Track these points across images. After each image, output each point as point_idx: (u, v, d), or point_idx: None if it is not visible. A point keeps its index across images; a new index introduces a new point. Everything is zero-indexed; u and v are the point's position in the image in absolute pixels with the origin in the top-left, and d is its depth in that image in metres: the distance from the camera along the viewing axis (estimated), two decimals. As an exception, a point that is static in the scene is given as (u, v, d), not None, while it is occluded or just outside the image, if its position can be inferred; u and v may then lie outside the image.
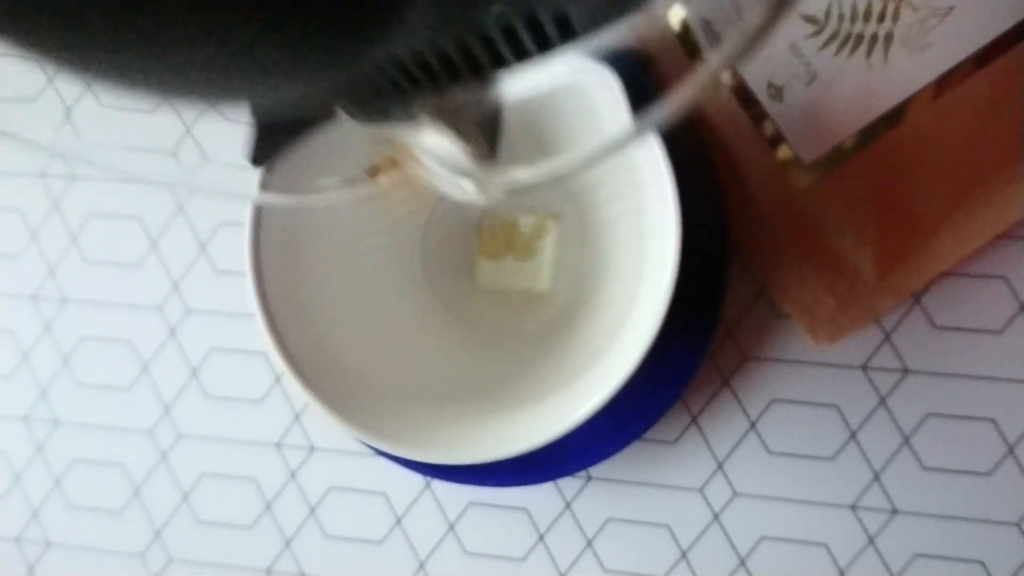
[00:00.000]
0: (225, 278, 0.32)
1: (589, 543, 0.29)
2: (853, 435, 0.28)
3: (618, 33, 0.13)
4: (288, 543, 0.31)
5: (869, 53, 0.25)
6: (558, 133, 0.26)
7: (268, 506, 0.32)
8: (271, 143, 0.17)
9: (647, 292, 0.23)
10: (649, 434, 0.29)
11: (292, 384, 0.22)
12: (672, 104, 0.13)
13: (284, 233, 0.23)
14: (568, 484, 0.30)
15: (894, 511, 0.28)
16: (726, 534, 0.29)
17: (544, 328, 0.28)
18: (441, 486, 0.30)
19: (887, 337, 0.28)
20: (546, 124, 0.26)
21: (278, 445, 0.32)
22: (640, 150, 0.21)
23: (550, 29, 0.13)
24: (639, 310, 0.23)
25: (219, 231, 0.32)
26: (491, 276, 0.28)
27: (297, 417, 0.31)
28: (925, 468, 0.27)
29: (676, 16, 0.26)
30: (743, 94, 0.27)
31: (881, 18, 0.25)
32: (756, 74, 0.26)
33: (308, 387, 0.22)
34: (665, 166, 0.21)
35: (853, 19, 0.25)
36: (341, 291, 0.25)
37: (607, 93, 0.21)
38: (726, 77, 0.27)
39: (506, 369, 0.27)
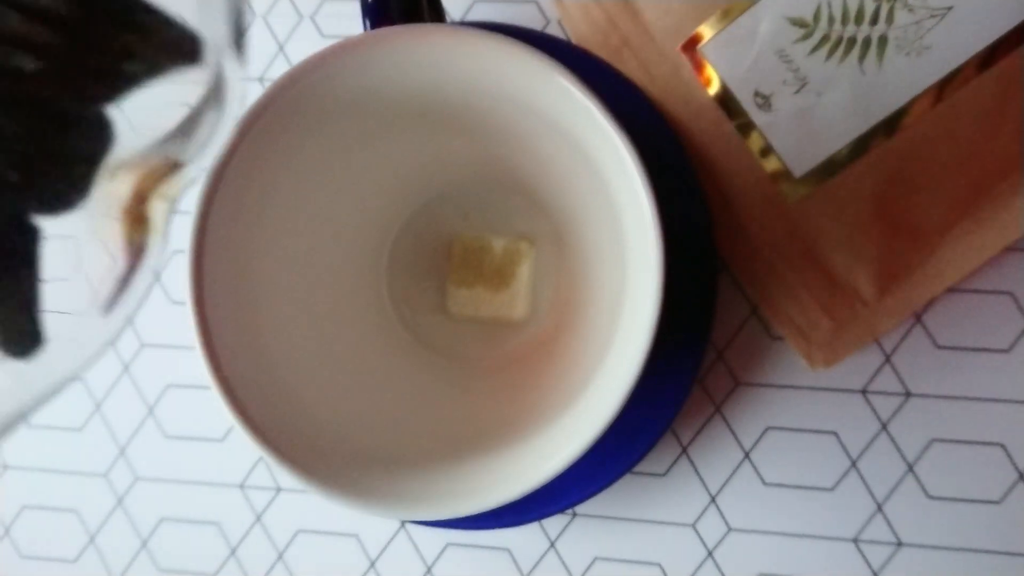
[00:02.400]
0: (180, 309, 0.30)
1: (576, 585, 0.28)
2: (853, 464, 0.26)
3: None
4: (255, 591, 0.29)
5: (862, 57, 0.24)
6: (560, 193, 0.24)
7: (233, 551, 0.30)
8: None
9: (630, 318, 0.21)
10: (637, 467, 0.27)
11: (241, 434, 0.20)
12: None
13: (232, 263, 0.21)
14: (552, 522, 0.28)
15: (899, 544, 0.26)
16: (721, 572, 0.27)
17: (523, 358, 0.26)
18: (417, 527, 0.28)
19: (887, 359, 0.26)
20: (548, 185, 0.24)
21: (242, 486, 0.30)
22: (614, 166, 0.19)
23: None
24: (622, 339, 0.21)
25: (174, 259, 0.30)
26: (463, 304, 0.26)
27: (262, 456, 0.29)
28: (931, 497, 0.26)
29: (714, 87, 0.24)
30: (728, 103, 0.25)
31: (874, 20, 0.23)
32: (742, 82, 0.25)
33: (259, 437, 0.20)
34: (644, 188, 0.19)
35: (844, 21, 0.23)
36: (297, 323, 0.23)
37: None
38: (714, 85, 0.25)
39: (483, 404, 0.25)
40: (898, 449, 0.26)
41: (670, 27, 0.25)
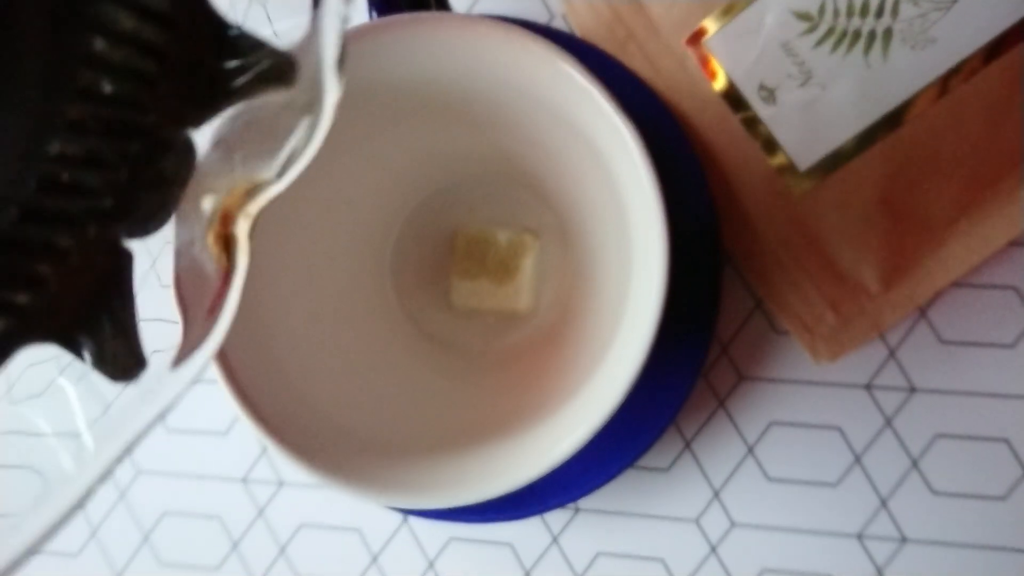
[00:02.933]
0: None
1: (578, 580, 0.28)
2: (858, 459, 0.26)
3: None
4: (257, 585, 0.29)
5: (867, 50, 0.23)
6: (566, 185, 0.24)
7: (235, 545, 0.29)
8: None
9: (634, 311, 0.21)
10: (640, 461, 0.27)
11: (247, 424, 0.20)
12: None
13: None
14: (555, 516, 0.28)
15: (903, 539, 0.26)
16: (724, 567, 0.27)
17: (527, 350, 0.26)
18: (420, 521, 0.28)
19: (892, 353, 0.26)
20: (553, 178, 0.24)
21: (244, 480, 0.29)
22: (618, 153, 0.19)
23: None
24: (626, 331, 0.21)
25: (168, 249, 0.30)
26: (467, 296, 0.26)
27: (264, 450, 0.29)
28: (935, 493, 0.26)
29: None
30: (733, 97, 0.25)
31: (879, 13, 0.23)
32: (747, 75, 0.25)
33: (264, 427, 0.20)
34: (648, 175, 0.19)
35: (849, 14, 0.23)
36: (302, 314, 0.23)
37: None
38: (719, 78, 0.25)
39: (486, 396, 0.25)
40: (902, 444, 0.26)
41: (675, 21, 0.25)
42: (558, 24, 0.28)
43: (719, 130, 0.25)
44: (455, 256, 0.26)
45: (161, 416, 0.15)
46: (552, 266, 0.26)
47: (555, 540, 0.28)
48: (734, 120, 0.25)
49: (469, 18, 0.19)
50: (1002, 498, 0.25)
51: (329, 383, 0.23)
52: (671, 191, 0.20)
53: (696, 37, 0.25)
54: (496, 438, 0.21)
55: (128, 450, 0.15)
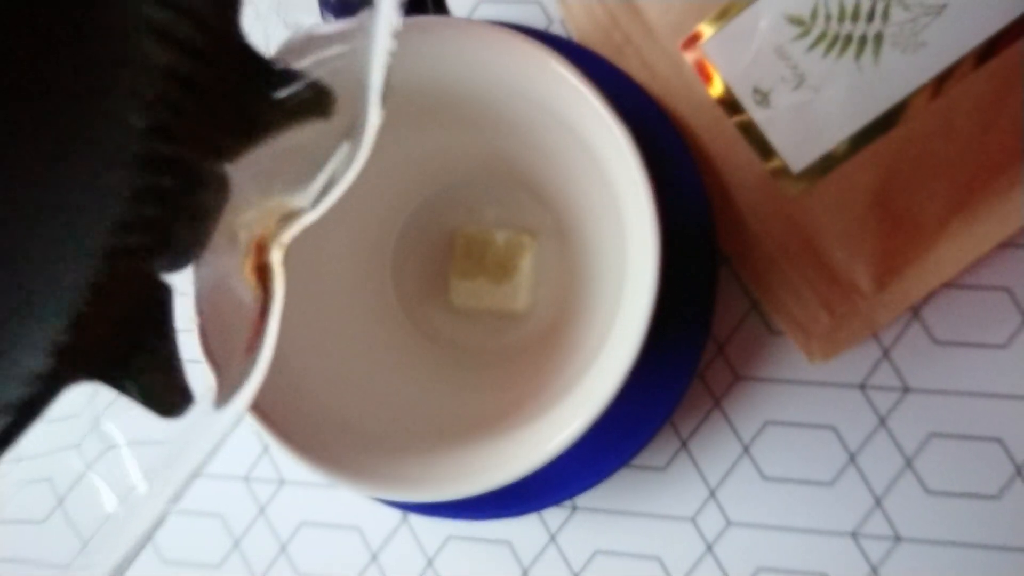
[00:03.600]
0: (182, 298, 0.30)
1: (576, 577, 0.28)
2: (852, 458, 0.26)
3: None
4: (258, 583, 0.30)
5: (859, 54, 0.24)
6: (563, 187, 0.25)
7: (236, 543, 0.30)
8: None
9: (627, 310, 0.21)
10: (637, 460, 0.27)
11: (249, 422, 0.21)
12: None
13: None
14: (552, 515, 0.28)
15: (897, 538, 0.26)
16: (720, 566, 0.27)
17: (524, 349, 0.26)
18: (419, 519, 0.29)
19: (886, 353, 0.26)
20: (551, 179, 0.25)
21: (246, 478, 0.30)
22: (615, 160, 0.20)
23: None
24: (619, 329, 0.21)
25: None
26: (466, 296, 0.26)
27: (266, 449, 0.30)
28: (929, 492, 0.26)
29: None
30: (728, 100, 0.25)
31: (871, 17, 0.24)
32: (741, 79, 0.25)
33: (266, 423, 0.20)
34: (642, 176, 0.19)
35: (841, 19, 0.24)
36: (303, 314, 0.24)
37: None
38: (714, 82, 0.25)
39: (484, 394, 0.26)
40: (896, 444, 0.26)
41: (671, 25, 0.26)
42: (556, 29, 0.28)
43: (715, 133, 0.26)
44: (454, 256, 0.26)
45: (214, 452, 0.15)
46: (549, 266, 0.26)
47: (553, 538, 0.28)
48: (729, 124, 0.26)
49: (467, 22, 0.20)
50: (995, 497, 0.26)
51: (330, 381, 0.23)
52: (667, 193, 0.20)
53: (692, 41, 0.26)
54: (493, 433, 0.22)
55: (186, 485, 0.14)
